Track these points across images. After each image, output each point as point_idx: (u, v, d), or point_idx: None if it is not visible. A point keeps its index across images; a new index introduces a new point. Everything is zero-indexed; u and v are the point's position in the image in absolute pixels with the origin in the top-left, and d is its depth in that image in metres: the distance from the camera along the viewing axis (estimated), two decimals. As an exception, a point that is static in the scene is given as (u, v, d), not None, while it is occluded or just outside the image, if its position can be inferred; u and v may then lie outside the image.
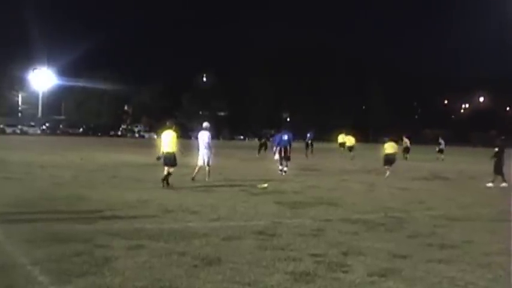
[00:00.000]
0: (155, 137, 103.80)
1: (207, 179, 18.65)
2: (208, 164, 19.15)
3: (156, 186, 16.68)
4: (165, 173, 16.87)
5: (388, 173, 24.48)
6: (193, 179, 18.46)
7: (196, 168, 18.88)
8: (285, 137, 24.06)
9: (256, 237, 9.37)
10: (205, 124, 20.05)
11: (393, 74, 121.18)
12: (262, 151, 38.86)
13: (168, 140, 17.18)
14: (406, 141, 43.71)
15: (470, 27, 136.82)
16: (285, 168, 23.59)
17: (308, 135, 43.75)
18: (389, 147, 25.66)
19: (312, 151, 41.20)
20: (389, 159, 25.23)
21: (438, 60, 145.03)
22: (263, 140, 41.79)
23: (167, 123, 18.14)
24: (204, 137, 19.37)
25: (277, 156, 25.58)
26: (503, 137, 28.76)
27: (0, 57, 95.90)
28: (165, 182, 16.60)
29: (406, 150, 42.65)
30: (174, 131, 17.56)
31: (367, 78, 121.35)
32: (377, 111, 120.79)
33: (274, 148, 25.48)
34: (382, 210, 13.31)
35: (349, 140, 42.66)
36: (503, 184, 20.82)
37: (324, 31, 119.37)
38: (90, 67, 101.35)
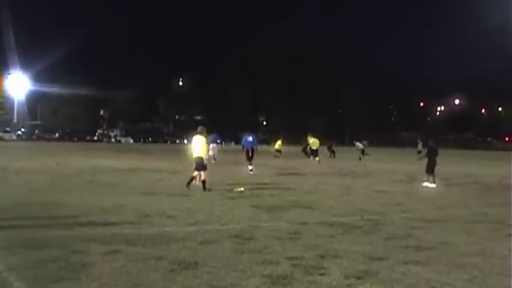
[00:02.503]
0: (131, 141, 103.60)
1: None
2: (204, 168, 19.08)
3: (133, 191, 16.62)
4: (194, 175, 17.35)
5: (317, 159, 35.01)
6: (188, 184, 18.07)
7: (195, 174, 18.43)
8: (250, 139, 25.33)
9: (233, 241, 9.35)
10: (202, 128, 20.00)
11: (369, 77, 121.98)
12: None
13: (198, 145, 17.60)
14: (359, 145, 49.05)
15: (446, 30, 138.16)
16: (251, 167, 25.01)
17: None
18: (315, 143, 36.09)
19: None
20: (313, 152, 35.91)
21: (414, 63, 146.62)
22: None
23: (198, 129, 18.46)
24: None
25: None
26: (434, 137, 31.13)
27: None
28: (189, 185, 17.03)
29: (362, 152, 47.65)
30: (205, 136, 18.14)
31: (344, 81, 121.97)
32: (353, 114, 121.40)
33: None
34: (358, 212, 13.36)
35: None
36: (432, 185, 21.17)
37: (300, 34, 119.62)
38: (65, 72, 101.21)
